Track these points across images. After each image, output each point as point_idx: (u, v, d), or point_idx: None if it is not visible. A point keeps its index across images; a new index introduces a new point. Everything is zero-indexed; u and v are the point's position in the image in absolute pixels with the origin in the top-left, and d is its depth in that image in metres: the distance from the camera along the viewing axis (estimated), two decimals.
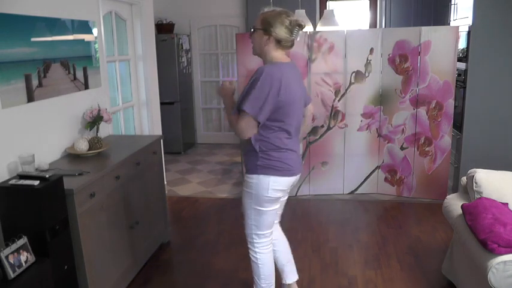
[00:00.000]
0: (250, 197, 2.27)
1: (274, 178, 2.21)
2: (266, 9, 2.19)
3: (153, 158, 3.24)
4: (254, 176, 2.23)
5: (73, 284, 2.30)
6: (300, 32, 2.20)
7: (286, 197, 2.44)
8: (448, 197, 2.88)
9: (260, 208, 2.26)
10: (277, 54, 2.20)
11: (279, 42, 2.17)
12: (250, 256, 2.41)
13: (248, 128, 2.12)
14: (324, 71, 4.18)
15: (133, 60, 4.31)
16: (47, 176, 2.14)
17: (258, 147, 2.17)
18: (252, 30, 2.22)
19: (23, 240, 1.99)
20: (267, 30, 2.14)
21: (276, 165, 2.20)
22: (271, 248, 2.42)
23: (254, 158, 2.20)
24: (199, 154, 6.25)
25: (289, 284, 2.65)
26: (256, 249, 2.38)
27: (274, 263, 2.50)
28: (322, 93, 4.21)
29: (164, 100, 5.58)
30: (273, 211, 2.31)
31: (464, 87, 4.10)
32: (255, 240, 2.36)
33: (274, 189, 2.22)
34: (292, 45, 2.23)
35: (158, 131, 4.66)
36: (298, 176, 2.32)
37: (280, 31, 2.14)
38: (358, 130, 4.29)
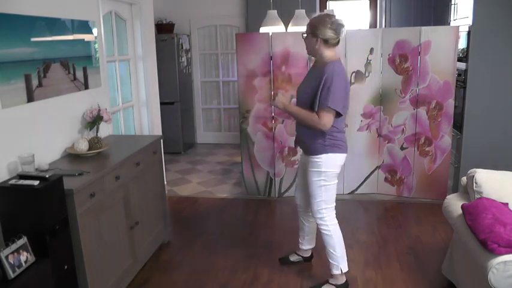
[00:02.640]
0: (319, 175, 2.63)
1: (340, 155, 2.64)
2: (313, 15, 2.62)
3: (153, 158, 3.24)
4: (323, 155, 2.60)
5: (73, 284, 2.30)
6: (344, 29, 2.55)
7: None
8: (448, 197, 2.88)
9: (328, 184, 2.65)
10: (329, 53, 2.58)
11: (326, 41, 2.54)
12: (323, 231, 2.72)
13: (331, 121, 2.51)
14: None
15: (133, 60, 4.31)
16: (47, 176, 2.14)
17: (327, 131, 2.56)
18: (304, 35, 2.61)
19: (23, 240, 1.99)
20: (314, 34, 2.53)
21: (339, 144, 2.63)
22: (336, 219, 2.75)
23: (321, 140, 2.59)
24: (199, 154, 6.25)
25: (306, 250, 3.13)
26: (328, 222, 2.70)
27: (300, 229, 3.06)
28: None
29: (164, 100, 5.58)
30: (336, 185, 2.69)
31: (464, 87, 4.10)
32: (325, 215, 2.69)
33: (338, 164, 2.66)
34: (338, 43, 2.60)
35: (158, 131, 4.67)
36: None
37: (325, 32, 2.51)
38: (358, 130, 4.29)
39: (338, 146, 2.62)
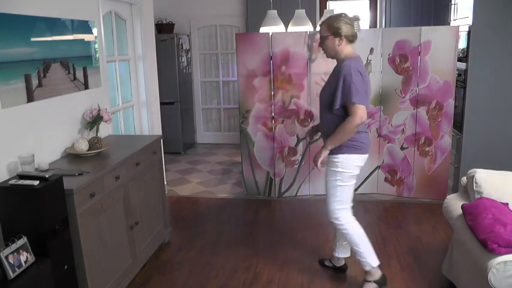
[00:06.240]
0: (335, 175, 2.62)
1: (357, 156, 2.60)
2: (324, 18, 2.59)
3: (153, 158, 3.24)
4: (340, 155, 2.58)
5: (73, 284, 2.30)
6: (359, 23, 2.60)
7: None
8: (448, 197, 2.88)
9: (345, 184, 2.62)
10: (349, 50, 2.60)
11: (347, 38, 2.55)
12: (342, 231, 2.70)
13: (365, 112, 2.47)
14: (324, 71, 4.16)
15: (133, 60, 4.31)
16: (47, 176, 2.14)
17: None
18: (321, 38, 2.61)
19: (23, 241, 1.99)
20: (337, 33, 2.54)
21: (357, 145, 2.58)
22: (353, 217, 2.71)
23: None
24: (199, 154, 6.25)
25: (339, 258, 2.98)
26: (343, 222, 2.67)
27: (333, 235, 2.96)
28: None
29: (164, 100, 5.58)
30: (353, 186, 2.68)
31: (464, 87, 4.10)
32: (339, 215, 2.66)
33: (356, 165, 2.62)
34: (356, 38, 2.61)
35: (158, 131, 4.67)
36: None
37: (347, 29, 2.54)
38: None
39: (355, 147, 2.57)
